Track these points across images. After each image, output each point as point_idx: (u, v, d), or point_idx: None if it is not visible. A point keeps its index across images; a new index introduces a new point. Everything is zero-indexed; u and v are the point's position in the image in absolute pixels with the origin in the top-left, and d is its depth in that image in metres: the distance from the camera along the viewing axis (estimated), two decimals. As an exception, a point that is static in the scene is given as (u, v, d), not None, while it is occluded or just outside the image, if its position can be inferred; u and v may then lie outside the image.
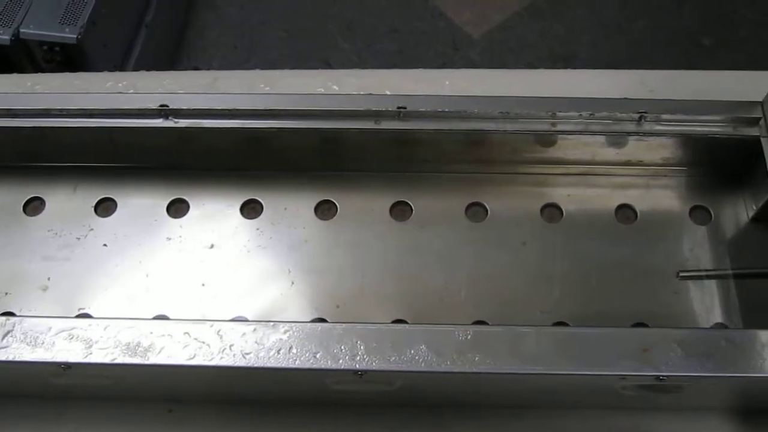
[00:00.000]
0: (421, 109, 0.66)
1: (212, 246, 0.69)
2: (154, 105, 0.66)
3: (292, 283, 0.67)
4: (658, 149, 0.69)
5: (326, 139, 0.68)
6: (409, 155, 0.70)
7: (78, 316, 0.66)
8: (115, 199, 0.71)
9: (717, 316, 0.66)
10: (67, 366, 0.57)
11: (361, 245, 0.69)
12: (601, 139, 0.67)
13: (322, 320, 0.66)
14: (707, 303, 0.66)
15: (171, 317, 0.66)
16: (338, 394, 0.61)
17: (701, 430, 0.64)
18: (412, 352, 0.58)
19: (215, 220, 0.70)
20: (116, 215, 0.71)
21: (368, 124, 0.67)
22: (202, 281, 0.68)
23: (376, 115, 0.66)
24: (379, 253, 0.69)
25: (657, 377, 0.57)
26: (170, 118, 0.66)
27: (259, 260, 0.69)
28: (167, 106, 0.66)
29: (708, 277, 0.67)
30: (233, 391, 0.64)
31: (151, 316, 0.66)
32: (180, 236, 0.70)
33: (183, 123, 0.66)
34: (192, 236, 0.70)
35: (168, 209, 0.71)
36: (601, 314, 0.66)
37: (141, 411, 0.64)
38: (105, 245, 0.69)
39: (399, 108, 0.66)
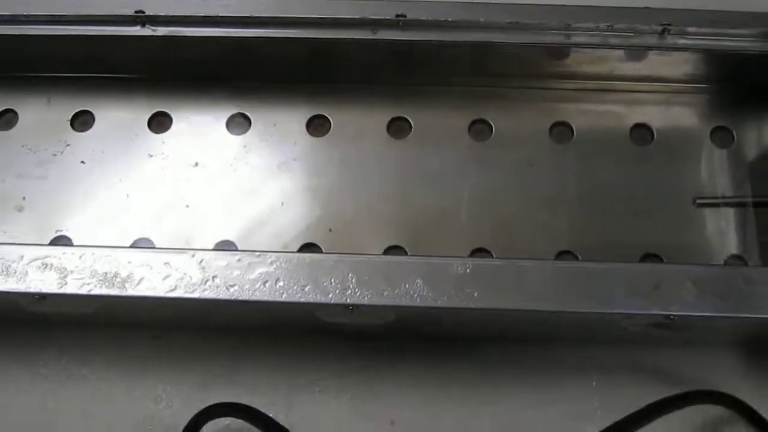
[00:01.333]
0: (422, 18, 0.60)
1: (196, 164, 0.65)
2: (129, 10, 0.61)
3: (282, 203, 0.63)
4: (681, 64, 0.63)
5: (319, 49, 0.63)
6: (408, 67, 0.65)
7: (55, 239, 0.63)
8: (93, 112, 0.66)
9: (733, 248, 0.61)
10: (41, 296, 0.54)
11: (356, 164, 0.65)
12: (620, 53, 0.61)
13: (312, 246, 0.63)
14: (724, 233, 0.62)
15: (153, 240, 0.63)
16: (331, 325, 0.59)
17: (710, 364, 0.62)
18: (407, 286, 0.54)
19: (200, 136, 0.66)
20: (94, 129, 0.66)
21: (365, 34, 0.61)
22: (186, 202, 0.63)
23: (374, 24, 0.61)
24: (375, 172, 0.64)
25: (667, 317, 0.55)
26: (147, 25, 0.61)
27: (247, 179, 0.64)
28: (143, 12, 0.60)
29: (726, 204, 0.62)
30: (221, 318, 0.62)
31: (132, 240, 0.63)
32: (162, 153, 0.65)
33: (162, 31, 0.60)
34: (175, 153, 0.65)
35: (149, 123, 0.66)
36: (611, 243, 0.62)
37: (125, 337, 0.62)
38: (83, 162, 0.65)
39: (398, 16, 0.60)
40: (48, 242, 0.63)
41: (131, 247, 0.61)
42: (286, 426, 0.58)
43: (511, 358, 0.61)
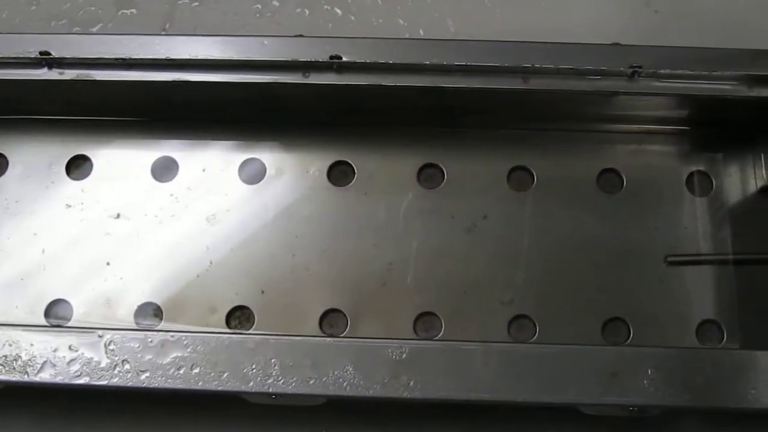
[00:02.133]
0: (358, 61, 0.54)
1: (118, 215, 0.59)
2: (34, 52, 0.54)
3: (211, 262, 0.57)
4: (654, 107, 0.56)
5: (251, 91, 0.56)
6: (348, 108, 0.58)
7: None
8: (6, 155, 0.60)
9: (708, 312, 0.55)
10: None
11: (294, 216, 0.59)
12: (583, 96, 0.55)
13: (243, 309, 0.57)
14: (698, 294, 0.56)
15: (71, 303, 0.57)
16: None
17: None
18: (336, 373, 0.49)
19: (123, 182, 0.59)
20: (7, 175, 0.60)
21: (296, 78, 0.55)
22: (107, 258, 0.58)
23: (306, 67, 0.54)
24: (314, 225, 0.58)
25: (625, 407, 0.49)
26: (54, 68, 0.54)
27: (173, 233, 0.59)
28: (49, 53, 0.54)
29: (702, 262, 0.56)
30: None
31: (48, 301, 0.57)
32: (81, 202, 0.59)
33: (69, 74, 0.54)
34: (95, 202, 0.59)
35: (68, 168, 0.60)
36: (572, 306, 0.56)
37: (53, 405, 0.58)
38: (-6, 213, 0.60)
39: (332, 58, 0.53)
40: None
41: (34, 325, 0.53)
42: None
43: (462, 427, 0.56)
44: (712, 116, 0.57)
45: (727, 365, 0.48)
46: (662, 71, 0.53)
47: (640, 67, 0.53)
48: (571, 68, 0.53)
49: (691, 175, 0.58)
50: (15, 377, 0.49)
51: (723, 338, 0.55)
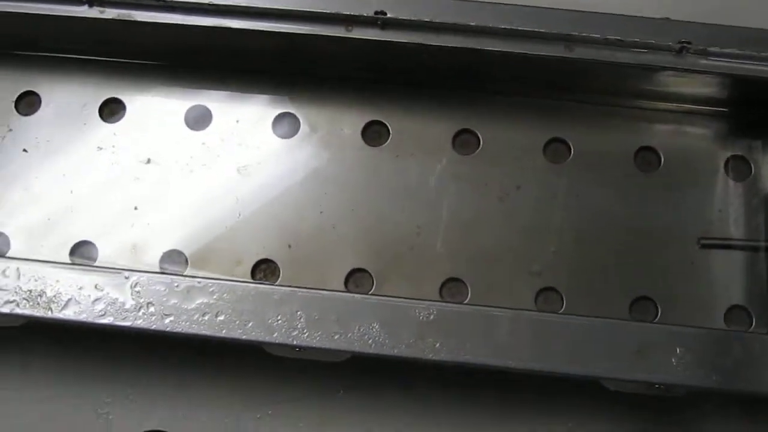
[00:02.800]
0: (402, 18, 0.53)
1: (149, 161, 0.58)
2: (76, -13, 0.54)
3: (239, 214, 0.57)
4: (698, 86, 0.55)
5: (293, 43, 0.55)
6: (387, 68, 0.57)
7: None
8: (39, 93, 0.60)
9: (738, 297, 0.55)
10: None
11: (325, 172, 0.58)
12: (628, 69, 0.54)
13: (269, 263, 0.56)
14: (728, 279, 0.55)
15: (96, 245, 0.57)
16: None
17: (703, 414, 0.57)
18: (362, 329, 0.48)
19: (155, 128, 0.59)
20: (40, 114, 0.59)
21: (339, 32, 0.54)
22: (135, 203, 0.57)
23: (348, 21, 0.53)
24: (344, 183, 0.58)
25: (651, 384, 0.49)
26: (95, 6, 0.54)
27: (203, 182, 0.58)
28: (92, -11, 0.54)
29: (735, 247, 0.55)
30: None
31: (74, 243, 0.57)
32: (113, 146, 0.59)
33: (110, 14, 0.53)
34: (127, 147, 0.59)
35: (101, 111, 0.59)
36: (601, 282, 0.55)
37: (70, 342, 0.56)
38: (25, 150, 0.59)
39: (377, 13, 0.53)
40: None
41: (60, 263, 0.53)
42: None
43: (481, 393, 0.55)
44: (758, 99, 0.55)
45: (757, 350, 0.48)
46: (711, 49, 0.52)
47: (689, 43, 0.52)
48: (618, 39, 0.52)
49: (729, 158, 0.57)
50: (39, 312, 0.49)
51: (752, 325, 0.55)
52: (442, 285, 0.56)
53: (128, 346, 0.57)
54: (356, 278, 0.57)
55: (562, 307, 0.55)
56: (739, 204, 0.57)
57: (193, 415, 0.56)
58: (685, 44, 0.51)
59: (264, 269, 0.57)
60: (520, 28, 0.52)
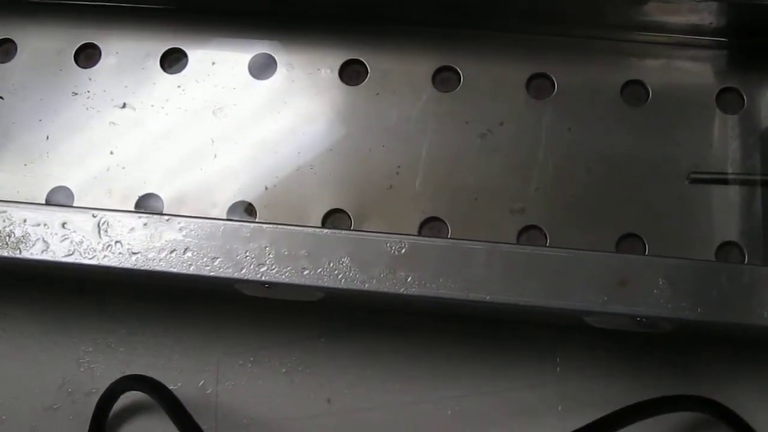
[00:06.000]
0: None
1: (124, 105, 0.58)
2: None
3: (215, 155, 0.56)
4: (687, 13, 0.53)
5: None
6: (366, 4, 0.56)
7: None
8: (15, 40, 0.59)
9: (729, 233, 0.52)
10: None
11: (302, 113, 0.57)
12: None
13: (245, 204, 0.56)
14: (720, 215, 0.53)
15: (72, 190, 0.56)
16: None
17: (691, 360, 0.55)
18: (331, 264, 0.47)
19: (130, 72, 0.58)
20: (15, 61, 0.59)
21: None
22: (111, 147, 0.57)
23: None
24: (322, 123, 0.56)
25: (633, 317, 0.47)
26: (63, -57, 0.54)
27: (178, 124, 0.57)
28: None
29: (726, 181, 0.53)
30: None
31: (50, 187, 0.56)
32: (88, 91, 0.58)
33: (79, -48, 0.53)
34: (102, 91, 0.58)
35: (76, 56, 0.59)
36: (586, 220, 0.54)
37: (48, 290, 0.56)
38: (1, 98, 0.58)
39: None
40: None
41: (28, 203, 0.53)
42: (214, 396, 0.54)
43: (465, 336, 0.54)
44: (751, 27, 0.53)
45: (746, 281, 0.46)
46: (699, -31, 0.50)
47: (674, -37, 0.50)
48: (598, -39, 0.50)
49: (721, 91, 0.55)
50: (7, 252, 0.48)
51: (744, 261, 0.52)
52: (422, 224, 0.54)
53: (108, 294, 0.56)
54: (334, 219, 0.55)
55: (545, 245, 0.53)
56: (731, 138, 0.54)
57: (174, 364, 0.55)
58: (670, -35, 0.49)
59: (240, 211, 0.56)
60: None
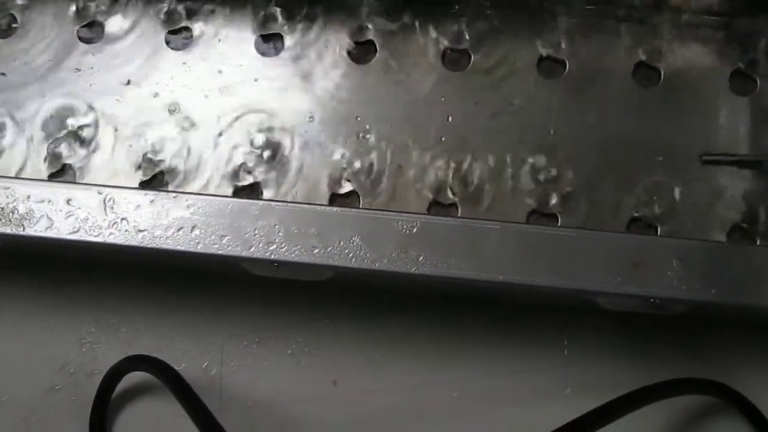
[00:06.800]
0: None
1: (129, 82, 0.57)
2: None
3: (220, 134, 0.56)
4: (701, -8, 0.53)
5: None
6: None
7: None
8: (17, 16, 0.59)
9: (740, 216, 0.52)
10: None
11: (310, 92, 0.56)
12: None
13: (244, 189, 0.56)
14: (732, 197, 0.52)
15: (75, 168, 0.56)
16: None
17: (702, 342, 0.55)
18: (342, 243, 0.46)
19: (135, 49, 0.57)
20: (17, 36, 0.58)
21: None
22: (116, 125, 0.56)
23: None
24: (330, 101, 0.56)
25: (646, 299, 0.46)
26: None
27: (185, 104, 0.56)
28: None
29: (739, 163, 0.53)
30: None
31: (51, 172, 0.56)
32: (91, 68, 0.57)
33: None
34: (106, 68, 0.57)
35: (79, 33, 0.58)
36: (597, 202, 0.53)
37: (50, 268, 0.55)
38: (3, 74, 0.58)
39: None
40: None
41: (32, 179, 0.53)
42: (218, 378, 0.53)
43: (472, 318, 0.53)
44: (764, 7, 0.53)
45: (759, 262, 0.45)
46: (712, -54, 0.49)
47: (687, -58, 0.49)
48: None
49: (733, 72, 0.54)
50: (11, 230, 0.47)
51: (756, 244, 0.52)
52: (430, 205, 0.54)
53: (111, 273, 0.55)
54: (341, 200, 0.55)
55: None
56: (743, 119, 0.54)
57: (178, 345, 0.54)
58: (682, -56, 0.49)
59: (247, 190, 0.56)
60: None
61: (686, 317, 0.48)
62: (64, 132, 0.57)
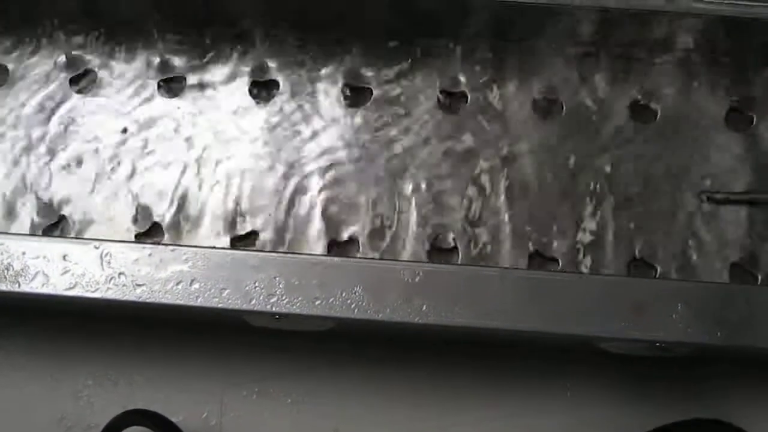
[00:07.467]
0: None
1: (125, 130, 0.56)
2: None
3: (216, 182, 0.55)
4: (693, 31, 0.53)
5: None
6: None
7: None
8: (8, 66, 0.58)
9: (739, 254, 0.52)
10: None
11: (304, 137, 0.56)
12: (616, 14, 0.51)
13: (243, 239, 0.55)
14: (732, 235, 0.52)
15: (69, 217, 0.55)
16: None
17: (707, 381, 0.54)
18: (344, 294, 0.46)
19: (128, 97, 0.57)
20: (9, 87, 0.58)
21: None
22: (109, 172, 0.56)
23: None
24: (321, 143, 0.55)
25: (652, 344, 0.46)
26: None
27: (179, 149, 0.56)
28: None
29: (736, 201, 0.53)
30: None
31: (48, 224, 0.55)
32: (82, 116, 0.56)
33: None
34: (101, 118, 0.56)
35: (71, 82, 0.57)
36: (594, 243, 0.53)
37: (46, 322, 0.55)
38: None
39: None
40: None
41: (27, 234, 0.53)
42: (218, 428, 0.52)
43: (473, 362, 0.53)
44: (757, 45, 0.53)
45: (764, 303, 0.45)
46: (703, -9, 0.50)
47: (679, -15, 0.50)
48: (604, -17, 0.50)
49: (730, 109, 0.55)
50: (6, 287, 0.47)
51: (757, 282, 0.52)
52: (430, 250, 0.54)
53: (108, 325, 0.54)
54: (339, 248, 0.54)
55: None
56: (740, 156, 0.54)
57: (176, 395, 0.53)
58: (675, -14, 0.49)
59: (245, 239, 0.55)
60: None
61: (689, 357, 0.48)
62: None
